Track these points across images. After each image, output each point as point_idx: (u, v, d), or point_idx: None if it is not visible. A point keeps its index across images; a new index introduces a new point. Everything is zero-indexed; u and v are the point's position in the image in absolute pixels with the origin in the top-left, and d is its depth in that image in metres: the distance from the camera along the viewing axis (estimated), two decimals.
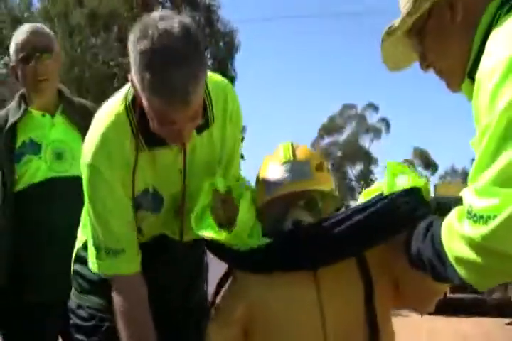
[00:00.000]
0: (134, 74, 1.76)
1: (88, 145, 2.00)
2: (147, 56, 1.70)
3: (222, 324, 1.97)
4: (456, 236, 1.40)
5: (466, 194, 1.36)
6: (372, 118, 47.76)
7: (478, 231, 1.30)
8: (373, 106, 47.27)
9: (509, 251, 1.27)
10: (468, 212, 1.33)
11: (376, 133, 47.33)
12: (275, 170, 1.92)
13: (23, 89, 2.94)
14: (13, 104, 2.92)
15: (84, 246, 2.18)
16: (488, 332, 9.26)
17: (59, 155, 2.85)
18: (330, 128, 48.06)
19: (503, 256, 1.29)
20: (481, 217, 1.29)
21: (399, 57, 1.73)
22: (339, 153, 47.32)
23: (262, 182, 1.95)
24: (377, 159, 47.79)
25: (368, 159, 47.38)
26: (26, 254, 2.79)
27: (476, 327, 9.50)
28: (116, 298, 2.03)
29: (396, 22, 1.62)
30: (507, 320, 10.17)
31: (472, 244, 1.33)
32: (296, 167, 1.90)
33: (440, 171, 48.68)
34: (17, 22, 16.21)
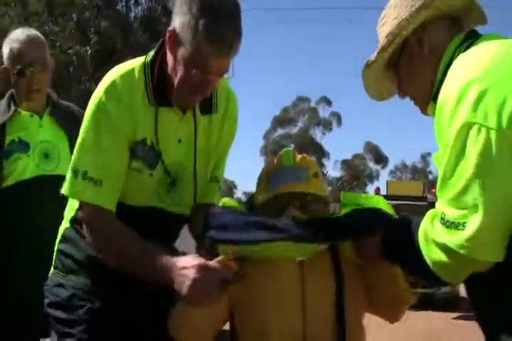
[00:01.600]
0: (183, 24, 1.93)
1: (99, 88, 2.10)
2: (205, 3, 1.91)
3: None
4: (431, 241, 1.62)
5: (439, 203, 1.59)
6: (325, 112, 48.17)
7: (451, 239, 1.54)
8: (326, 100, 47.64)
9: (478, 258, 1.51)
10: (442, 218, 1.57)
11: (328, 126, 47.70)
12: (277, 172, 2.15)
13: (13, 90, 3.02)
14: (2, 103, 3.01)
15: (72, 225, 2.23)
16: (436, 326, 9.47)
17: (46, 155, 2.96)
18: (283, 120, 48.21)
19: (471, 260, 1.52)
20: (453, 223, 1.53)
21: (383, 86, 1.98)
22: (292, 145, 47.52)
23: (262, 182, 2.17)
24: (329, 152, 48.26)
25: (320, 152, 47.72)
26: (14, 249, 2.89)
27: (424, 321, 9.70)
28: (90, 234, 2.08)
29: (373, 56, 1.88)
30: (454, 315, 10.42)
31: (446, 249, 1.57)
32: (296, 170, 2.14)
33: (390, 166, 49.30)
34: None
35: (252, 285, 2.02)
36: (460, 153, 1.52)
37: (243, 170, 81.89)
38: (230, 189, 54.88)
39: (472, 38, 1.76)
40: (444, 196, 1.57)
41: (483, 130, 1.48)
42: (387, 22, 1.87)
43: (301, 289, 2.02)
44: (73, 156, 2.09)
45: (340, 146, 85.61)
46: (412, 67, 1.85)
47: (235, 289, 1.96)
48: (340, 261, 2.08)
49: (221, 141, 2.31)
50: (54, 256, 2.30)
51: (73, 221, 2.24)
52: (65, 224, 2.30)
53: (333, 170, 48.34)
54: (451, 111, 1.55)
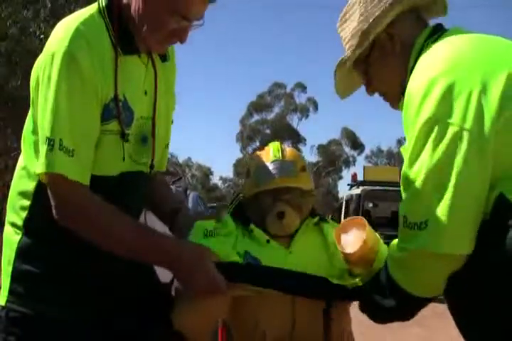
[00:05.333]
0: None
1: (59, 36, 1.82)
2: None
3: None
4: (398, 261, 1.66)
5: (401, 206, 1.62)
6: (301, 98, 48.16)
7: (417, 240, 1.55)
8: (302, 86, 47.58)
9: (446, 251, 1.52)
10: (404, 222, 1.59)
11: (304, 112, 47.73)
12: (265, 167, 2.17)
13: None
14: None
15: (27, 233, 1.88)
16: None
17: None
18: (259, 106, 48.15)
19: (441, 257, 1.53)
20: (415, 224, 1.55)
21: (349, 84, 1.98)
22: (268, 131, 47.52)
23: (252, 176, 2.20)
24: (305, 138, 48.31)
25: (296, 138, 47.76)
26: None
27: None
28: (71, 217, 1.80)
29: (345, 56, 1.88)
30: None
31: (415, 257, 1.58)
32: (284, 165, 2.16)
33: (366, 151, 49.49)
34: None
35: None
36: (422, 149, 1.53)
37: (219, 156, 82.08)
38: (206, 175, 54.70)
39: (439, 32, 1.76)
40: (405, 193, 1.60)
41: (448, 126, 1.50)
42: (353, 19, 1.85)
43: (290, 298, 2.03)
44: (43, 125, 1.77)
45: (316, 132, 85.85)
46: (382, 63, 1.85)
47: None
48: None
49: (170, 93, 2.13)
50: (7, 280, 1.88)
51: (27, 226, 1.89)
52: (13, 234, 1.91)
53: (309, 155, 48.34)
54: (417, 106, 1.56)
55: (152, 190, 2.14)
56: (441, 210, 1.49)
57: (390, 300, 1.72)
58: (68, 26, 1.82)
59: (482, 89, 1.52)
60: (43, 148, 1.76)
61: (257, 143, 46.09)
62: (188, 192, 7.41)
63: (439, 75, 1.55)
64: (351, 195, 16.43)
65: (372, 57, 1.86)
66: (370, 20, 1.80)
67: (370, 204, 17.09)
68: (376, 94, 1.93)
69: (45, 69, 1.79)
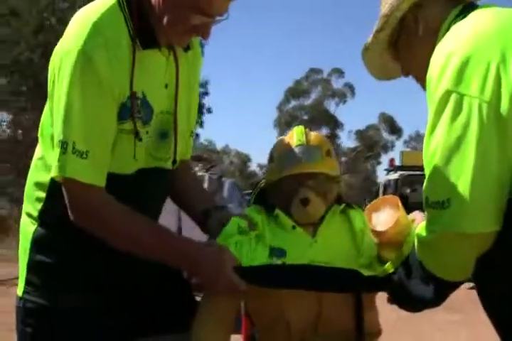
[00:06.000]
0: None
1: (76, 31, 1.75)
2: None
3: None
4: (426, 243, 1.59)
5: (423, 186, 1.56)
6: (338, 83, 47.85)
7: (442, 220, 1.48)
8: (339, 71, 47.27)
9: (472, 230, 1.45)
10: (427, 203, 1.53)
11: (342, 97, 47.44)
12: (289, 151, 2.10)
13: None
14: None
15: (42, 224, 1.90)
16: None
17: None
18: (296, 91, 48.00)
19: (467, 236, 1.46)
20: (437, 203, 1.49)
21: (382, 67, 1.94)
22: (305, 117, 47.38)
23: (276, 161, 2.13)
24: (343, 123, 48.06)
25: (334, 123, 47.52)
26: None
27: None
28: (88, 221, 1.79)
29: (369, 39, 1.85)
30: None
31: (440, 239, 1.52)
32: (308, 150, 2.09)
33: (405, 136, 49.07)
34: None
35: None
36: (440, 124, 1.48)
37: (256, 142, 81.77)
38: (243, 162, 54.81)
39: (467, 11, 1.69)
40: (426, 171, 1.54)
41: (464, 98, 1.44)
42: (384, 3, 1.82)
43: None
44: (57, 126, 1.75)
45: (354, 117, 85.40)
46: (410, 46, 1.81)
47: None
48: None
49: (195, 83, 2.09)
50: (24, 271, 1.92)
51: (42, 217, 1.90)
52: (29, 225, 1.93)
53: (347, 140, 48.11)
54: (436, 80, 1.51)
55: (183, 188, 2.15)
56: (462, 187, 1.43)
57: (419, 286, 1.68)
58: (85, 21, 1.75)
59: (501, 60, 1.45)
60: (56, 151, 1.75)
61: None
62: (223, 179, 7.44)
63: (457, 48, 1.51)
64: (388, 180, 16.34)
65: (400, 40, 1.82)
66: (391, 4, 1.77)
67: (408, 190, 16.96)
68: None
69: (60, 68, 1.74)
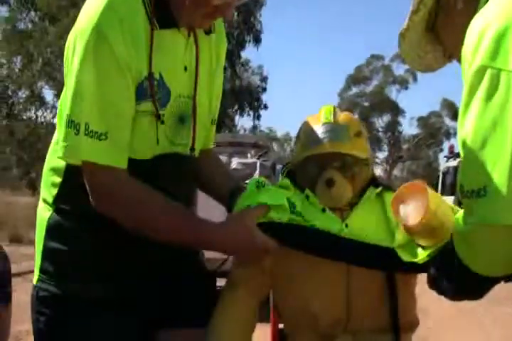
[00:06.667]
0: None
1: (90, 10, 1.69)
2: None
3: (246, 275, 1.95)
4: (462, 234, 1.43)
5: (459, 173, 1.40)
6: (399, 70, 47.20)
7: (477, 211, 1.32)
8: (401, 57, 46.36)
9: (504, 223, 1.28)
10: (461, 192, 1.36)
11: (403, 84, 46.76)
12: (314, 130, 1.95)
13: None
14: None
15: (57, 210, 1.84)
16: None
17: None
18: (357, 78, 47.53)
19: (506, 229, 1.29)
20: (473, 191, 1.32)
21: (428, 56, 1.76)
22: (366, 104, 46.93)
23: (300, 140, 2.00)
24: (405, 110, 47.39)
25: (395, 110, 46.91)
26: None
27: None
28: (107, 204, 1.73)
29: (405, 24, 1.68)
30: None
31: (476, 230, 1.36)
32: (335, 128, 1.93)
33: None
34: None
35: (292, 259, 1.88)
36: (474, 103, 1.32)
37: None
38: None
39: None
40: (462, 157, 1.38)
41: (503, 75, 1.27)
42: None
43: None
44: (67, 105, 1.68)
45: (416, 104, 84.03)
46: (450, 24, 1.63)
47: (275, 264, 1.89)
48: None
49: (218, 68, 1.99)
50: (39, 258, 1.86)
51: (57, 203, 1.84)
52: (44, 211, 1.87)
53: (409, 127, 47.30)
54: (471, 56, 1.34)
55: (209, 175, 2.07)
56: (499, 174, 1.26)
57: (453, 279, 1.51)
58: (99, 1, 1.68)
59: None
60: (65, 131, 1.67)
61: (356, 116, 45.47)
62: (277, 166, 7.43)
63: (493, 19, 1.33)
64: (448, 168, 16.06)
65: (438, 21, 1.65)
66: None
67: None
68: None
69: (75, 48, 1.68)
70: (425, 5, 1.62)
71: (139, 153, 1.77)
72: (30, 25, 20.15)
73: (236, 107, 29.54)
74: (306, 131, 1.97)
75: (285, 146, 52.05)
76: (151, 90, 1.73)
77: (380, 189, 2.00)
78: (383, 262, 1.84)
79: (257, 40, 26.75)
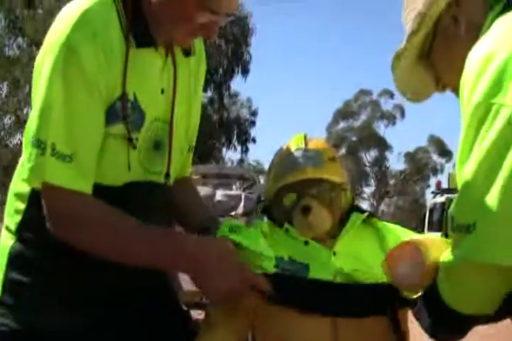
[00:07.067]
0: None
1: (62, 23, 1.58)
2: None
3: (230, 311, 1.78)
4: (446, 269, 1.38)
5: (451, 206, 1.35)
6: (387, 105, 47.58)
7: (464, 245, 1.27)
8: (389, 93, 47.01)
9: (498, 261, 1.23)
10: (452, 225, 1.31)
11: (391, 119, 47.15)
12: (286, 158, 1.87)
13: None
14: None
15: (19, 238, 1.71)
16: None
17: None
18: (345, 113, 47.88)
19: (493, 268, 1.25)
20: (463, 226, 1.27)
21: (418, 84, 1.67)
22: (354, 138, 47.19)
23: (271, 173, 1.90)
24: (392, 146, 47.69)
25: (383, 145, 47.20)
26: None
27: None
28: (72, 231, 1.59)
29: (402, 45, 1.58)
30: None
31: (463, 266, 1.32)
32: (308, 154, 1.85)
33: (454, 159, 48.39)
34: None
35: (275, 311, 1.75)
36: (475, 139, 1.27)
37: None
38: None
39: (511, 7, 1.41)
40: (458, 190, 1.33)
41: (505, 110, 1.22)
42: (413, 7, 1.56)
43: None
44: (34, 124, 1.58)
45: (403, 139, 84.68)
46: (449, 50, 1.54)
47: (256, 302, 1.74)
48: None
49: (197, 92, 1.88)
50: None
51: (20, 231, 1.71)
52: (7, 239, 1.74)
53: (396, 162, 47.70)
54: (471, 88, 1.29)
55: (180, 201, 1.94)
56: (491, 211, 1.21)
57: (431, 315, 1.46)
58: (72, 13, 1.58)
59: None
60: (31, 151, 1.57)
61: (343, 151, 45.82)
62: (262, 199, 7.34)
63: (495, 51, 1.27)
64: (435, 204, 16.09)
65: (435, 46, 1.56)
66: (426, 2, 1.51)
67: None
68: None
69: (42, 65, 1.59)
70: (426, 25, 1.53)
71: (109, 179, 1.67)
72: (17, 51, 20.24)
73: (223, 140, 29.58)
74: (278, 162, 1.89)
75: None
76: (123, 111, 1.63)
77: (366, 214, 1.91)
78: (377, 307, 1.74)
79: (245, 71, 26.97)
